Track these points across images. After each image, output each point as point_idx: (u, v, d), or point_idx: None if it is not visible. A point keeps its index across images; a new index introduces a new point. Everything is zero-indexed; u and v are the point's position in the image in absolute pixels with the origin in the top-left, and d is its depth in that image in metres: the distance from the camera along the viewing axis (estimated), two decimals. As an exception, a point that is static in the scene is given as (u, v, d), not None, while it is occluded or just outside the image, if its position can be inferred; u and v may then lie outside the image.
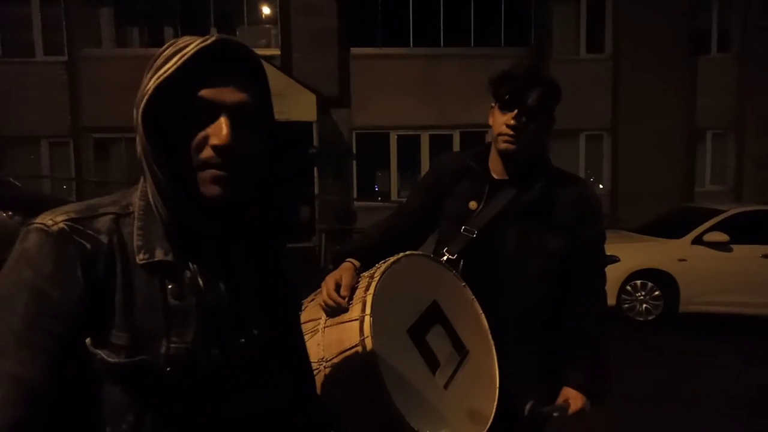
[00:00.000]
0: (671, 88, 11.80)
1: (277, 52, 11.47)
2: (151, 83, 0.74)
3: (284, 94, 10.11)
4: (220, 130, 0.75)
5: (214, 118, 0.76)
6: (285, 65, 11.23)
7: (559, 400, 1.58)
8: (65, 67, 11.29)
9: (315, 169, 10.81)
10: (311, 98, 10.39)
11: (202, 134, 0.76)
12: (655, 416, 3.96)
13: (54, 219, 0.73)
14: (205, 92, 0.75)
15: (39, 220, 0.73)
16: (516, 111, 1.50)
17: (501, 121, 1.54)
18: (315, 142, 10.57)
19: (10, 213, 6.77)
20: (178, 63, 0.73)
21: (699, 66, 11.98)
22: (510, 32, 11.80)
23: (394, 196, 11.85)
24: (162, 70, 0.74)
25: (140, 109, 0.74)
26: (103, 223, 0.76)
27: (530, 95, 1.49)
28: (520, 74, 1.52)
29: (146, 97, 0.73)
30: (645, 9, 11.66)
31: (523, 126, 1.51)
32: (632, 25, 11.72)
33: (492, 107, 1.60)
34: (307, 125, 10.48)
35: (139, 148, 0.76)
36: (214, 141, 0.75)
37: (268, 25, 11.96)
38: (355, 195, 11.92)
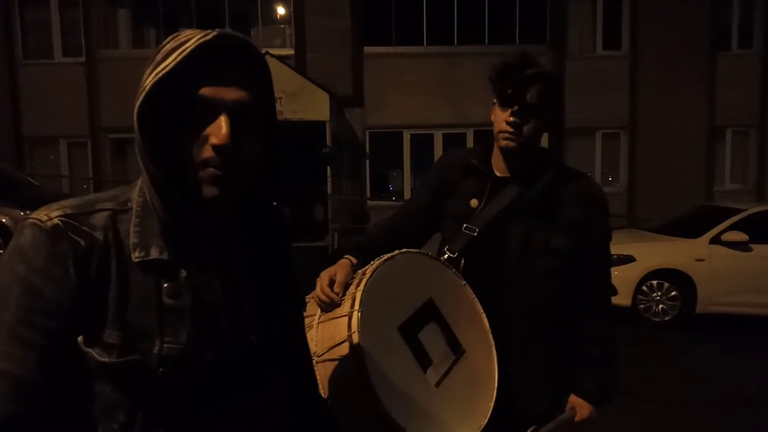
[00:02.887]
0: (690, 85, 11.60)
1: (291, 52, 11.54)
2: (149, 79, 0.72)
3: (298, 94, 10.19)
4: (220, 129, 0.73)
5: (213, 117, 0.74)
6: (299, 65, 11.29)
7: (567, 408, 1.56)
8: (83, 68, 11.50)
9: (328, 168, 10.83)
10: (325, 98, 10.42)
11: (201, 133, 0.74)
12: (671, 416, 3.90)
13: (49, 214, 0.72)
14: (204, 90, 0.74)
15: (34, 215, 0.72)
16: (516, 108, 1.48)
17: (501, 118, 1.52)
18: (329, 142, 10.59)
19: (27, 212, 6.91)
20: (178, 59, 0.71)
21: (719, 62, 11.74)
22: (525, 29, 11.70)
23: (407, 195, 11.82)
24: (161, 66, 0.72)
25: (137, 105, 0.72)
26: (99, 219, 0.75)
27: (529, 91, 1.46)
28: (518, 70, 1.48)
29: (144, 93, 0.72)
30: (663, 5, 11.48)
31: (524, 123, 1.49)
32: (650, 21, 11.54)
33: (493, 104, 1.57)
34: (321, 125, 10.50)
35: (137, 145, 0.76)
36: (213, 140, 0.73)
37: (282, 26, 12.03)
38: (368, 194, 11.94)
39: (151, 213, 0.77)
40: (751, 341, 5.79)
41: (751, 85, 11.83)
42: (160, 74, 0.71)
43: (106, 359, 0.70)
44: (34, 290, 0.68)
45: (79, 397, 0.72)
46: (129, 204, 0.78)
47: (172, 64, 0.71)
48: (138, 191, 0.79)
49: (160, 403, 0.73)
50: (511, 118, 1.48)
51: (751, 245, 6.12)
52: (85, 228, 0.73)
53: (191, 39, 0.73)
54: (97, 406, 0.72)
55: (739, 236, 6.12)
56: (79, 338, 0.70)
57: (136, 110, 0.72)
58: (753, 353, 5.40)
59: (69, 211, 0.73)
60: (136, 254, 0.74)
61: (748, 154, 12.19)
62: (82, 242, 0.71)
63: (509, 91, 1.48)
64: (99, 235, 0.73)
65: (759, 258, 6.12)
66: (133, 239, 0.75)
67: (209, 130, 0.74)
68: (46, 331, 0.68)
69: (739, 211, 6.45)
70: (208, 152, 0.74)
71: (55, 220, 0.71)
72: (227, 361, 0.79)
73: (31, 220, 0.72)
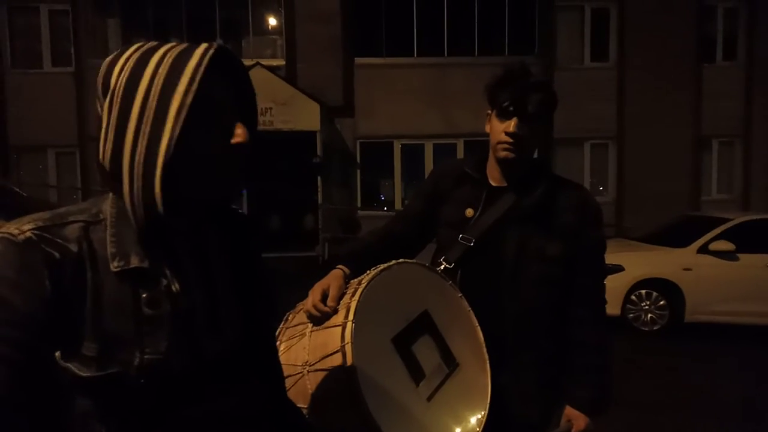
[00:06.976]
0: (677, 96, 11.76)
1: (282, 62, 11.54)
2: (181, 99, 0.72)
3: (289, 104, 10.18)
4: (241, 129, 0.79)
5: (230, 119, 0.80)
6: (290, 75, 11.29)
7: (563, 421, 1.55)
8: (73, 77, 11.41)
9: (319, 178, 10.82)
10: (315, 107, 10.42)
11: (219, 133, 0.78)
12: (658, 424, 3.90)
13: (20, 228, 0.71)
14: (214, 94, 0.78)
15: (5, 228, 0.71)
16: (516, 119, 1.46)
17: (500, 129, 1.50)
18: (319, 151, 10.58)
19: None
20: (201, 71, 0.73)
21: (704, 74, 11.93)
22: (514, 41, 11.81)
23: (398, 205, 11.83)
24: (183, 86, 0.73)
25: (176, 131, 0.72)
26: (72, 231, 0.74)
27: (530, 102, 1.45)
28: (518, 80, 1.47)
29: (184, 111, 0.72)
30: (650, 17, 11.65)
31: (524, 133, 1.48)
32: (637, 33, 11.71)
33: (489, 114, 1.56)
34: (312, 134, 10.50)
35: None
36: (237, 139, 0.78)
37: (273, 36, 12.03)
38: (359, 204, 11.92)
39: (126, 222, 0.76)
40: (738, 350, 5.83)
41: (736, 96, 12.02)
42: (193, 90, 0.73)
43: (86, 374, 0.69)
44: (2, 302, 0.67)
45: (52, 408, 0.71)
46: (101, 215, 0.78)
47: (196, 82, 0.73)
48: (110, 203, 0.79)
49: (137, 410, 0.73)
50: (512, 129, 1.46)
51: (737, 254, 6.18)
52: (58, 240, 0.72)
53: (193, 56, 0.74)
54: (72, 416, 0.71)
55: (726, 245, 6.18)
56: (57, 353, 0.69)
57: (172, 139, 0.72)
58: (740, 362, 5.44)
59: (41, 224, 0.73)
60: (115, 264, 0.74)
61: (734, 163, 12.36)
62: (56, 254, 0.71)
63: (510, 101, 1.46)
64: (73, 246, 0.73)
65: (746, 267, 6.18)
66: (110, 249, 0.75)
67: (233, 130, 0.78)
68: (16, 343, 0.67)
69: (725, 220, 6.52)
70: (227, 150, 0.78)
71: (28, 233, 0.71)
72: (205, 364, 0.79)
73: (1, 234, 0.71)
